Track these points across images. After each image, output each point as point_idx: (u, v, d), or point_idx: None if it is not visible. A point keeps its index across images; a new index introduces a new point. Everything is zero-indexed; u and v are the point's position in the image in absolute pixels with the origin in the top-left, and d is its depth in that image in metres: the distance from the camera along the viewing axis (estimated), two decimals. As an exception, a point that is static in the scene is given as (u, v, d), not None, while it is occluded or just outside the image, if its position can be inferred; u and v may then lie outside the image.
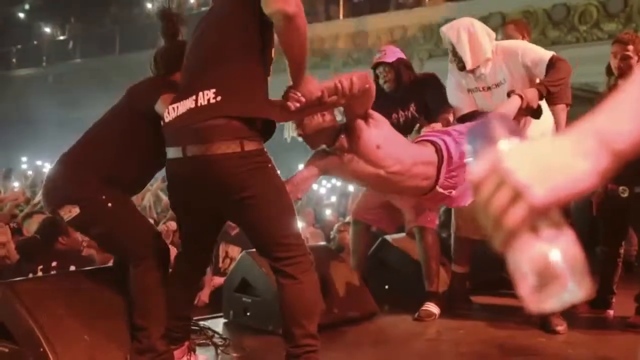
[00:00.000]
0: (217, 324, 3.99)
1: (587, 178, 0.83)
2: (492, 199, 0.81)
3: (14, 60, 22.56)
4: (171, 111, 2.76)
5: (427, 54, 14.34)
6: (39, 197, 7.06)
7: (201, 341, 3.55)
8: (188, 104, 2.68)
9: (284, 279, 2.75)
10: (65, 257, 4.17)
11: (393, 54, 4.44)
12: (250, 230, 2.83)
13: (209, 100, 2.62)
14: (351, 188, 8.68)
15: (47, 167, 12.51)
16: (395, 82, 4.36)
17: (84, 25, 23.18)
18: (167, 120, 2.79)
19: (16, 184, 9.98)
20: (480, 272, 4.73)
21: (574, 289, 0.79)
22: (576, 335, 3.79)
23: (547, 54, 3.85)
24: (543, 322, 3.86)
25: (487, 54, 3.96)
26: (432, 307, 4.22)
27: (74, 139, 3.22)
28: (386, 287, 4.84)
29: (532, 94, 3.69)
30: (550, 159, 0.83)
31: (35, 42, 22.88)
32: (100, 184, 3.04)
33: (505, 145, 0.84)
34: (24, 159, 14.66)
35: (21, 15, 23.59)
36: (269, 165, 2.74)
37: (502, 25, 4.66)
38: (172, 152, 2.77)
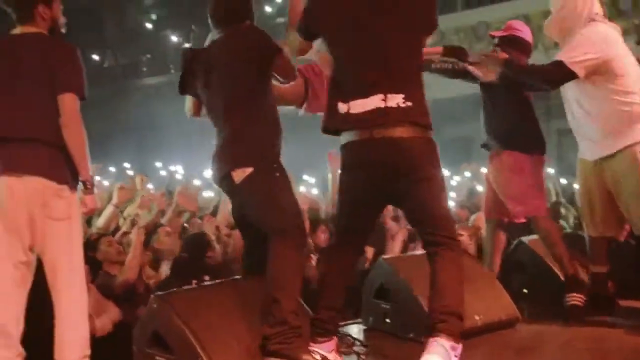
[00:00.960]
0: (355, 329, 4.03)
1: None
2: None
3: (144, 68, 23.67)
4: (354, 106, 3.00)
5: (552, 42, 13.81)
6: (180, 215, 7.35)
7: (343, 349, 3.59)
8: (375, 102, 2.96)
9: (448, 251, 2.99)
10: (215, 270, 4.40)
11: (508, 28, 4.46)
12: (421, 208, 3.04)
13: (398, 104, 2.94)
14: (480, 187, 8.49)
15: (180, 173, 12.98)
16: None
17: (206, 33, 23.93)
18: (352, 111, 3.01)
19: (150, 186, 10.15)
20: (626, 273, 4.52)
21: None
22: None
23: (564, 56, 3.80)
24: None
25: (547, 30, 4.05)
26: (575, 299, 4.09)
27: (203, 143, 3.38)
28: (525, 290, 4.72)
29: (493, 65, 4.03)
30: None
31: (162, 51, 23.89)
32: (272, 152, 3.32)
33: None
34: (158, 164, 15.29)
35: (149, 25, 24.67)
36: (437, 152, 3.08)
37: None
38: (357, 135, 3.02)
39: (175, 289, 3.50)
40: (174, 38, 23.24)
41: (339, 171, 3.24)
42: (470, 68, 4.18)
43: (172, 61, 23.20)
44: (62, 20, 3.31)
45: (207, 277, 4.31)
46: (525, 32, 4.45)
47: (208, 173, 10.52)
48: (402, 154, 2.96)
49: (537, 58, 4.60)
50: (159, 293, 3.27)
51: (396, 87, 2.96)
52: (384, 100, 2.94)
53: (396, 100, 2.94)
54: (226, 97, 3.36)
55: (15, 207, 3.04)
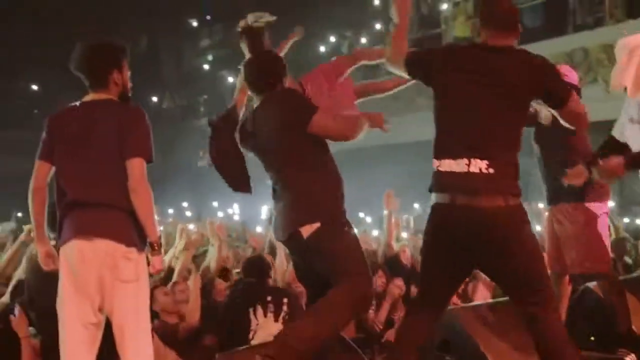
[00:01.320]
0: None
1: None
2: None
3: (201, 109, 24.09)
4: (443, 165, 3.03)
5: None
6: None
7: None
8: (460, 166, 2.96)
9: (544, 314, 3.00)
10: (275, 292, 4.65)
11: None
12: (508, 277, 3.06)
13: (480, 169, 2.92)
14: (538, 227, 8.33)
15: (237, 213, 13.08)
16: None
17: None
18: (440, 169, 3.05)
19: (191, 226, 9.91)
20: None
21: None
22: None
23: None
24: None
25: (615, 80, 3.78)
26: (625, 355, 4.00)
27: (260, 183, 3.42)
28: (592, 338, 4.61)
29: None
30: None
31: (219, 91, 24.31)
32: (337, 205, 3.35)
33: None
34: (214, 204, 15.45)
35: (206, 66, 25.15)
36: (527, 217, 3.02)
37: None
38: (442, 198, 3.04)
39: (238, 348, 3.54)
40: (231, 79, 23.63)
41: (424, 232, 3.24)
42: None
43: (229, 101, 23.53)
44: (129, 85, 3.40)
45: (269, 298, 4.48)
46: (571, 77, 4.38)
47: (264, 212, 10.63)
48: (485, 225, 2.93)
49: (596, 92, 4.53)
50: (223, 353, 3.31)
51: (482, 153, 2.94)
52: (468, 165, 2.94)
53: (479, 165, 2.93)
54: (278, 163, 3.41)
55: (86, 269, 3.11)
